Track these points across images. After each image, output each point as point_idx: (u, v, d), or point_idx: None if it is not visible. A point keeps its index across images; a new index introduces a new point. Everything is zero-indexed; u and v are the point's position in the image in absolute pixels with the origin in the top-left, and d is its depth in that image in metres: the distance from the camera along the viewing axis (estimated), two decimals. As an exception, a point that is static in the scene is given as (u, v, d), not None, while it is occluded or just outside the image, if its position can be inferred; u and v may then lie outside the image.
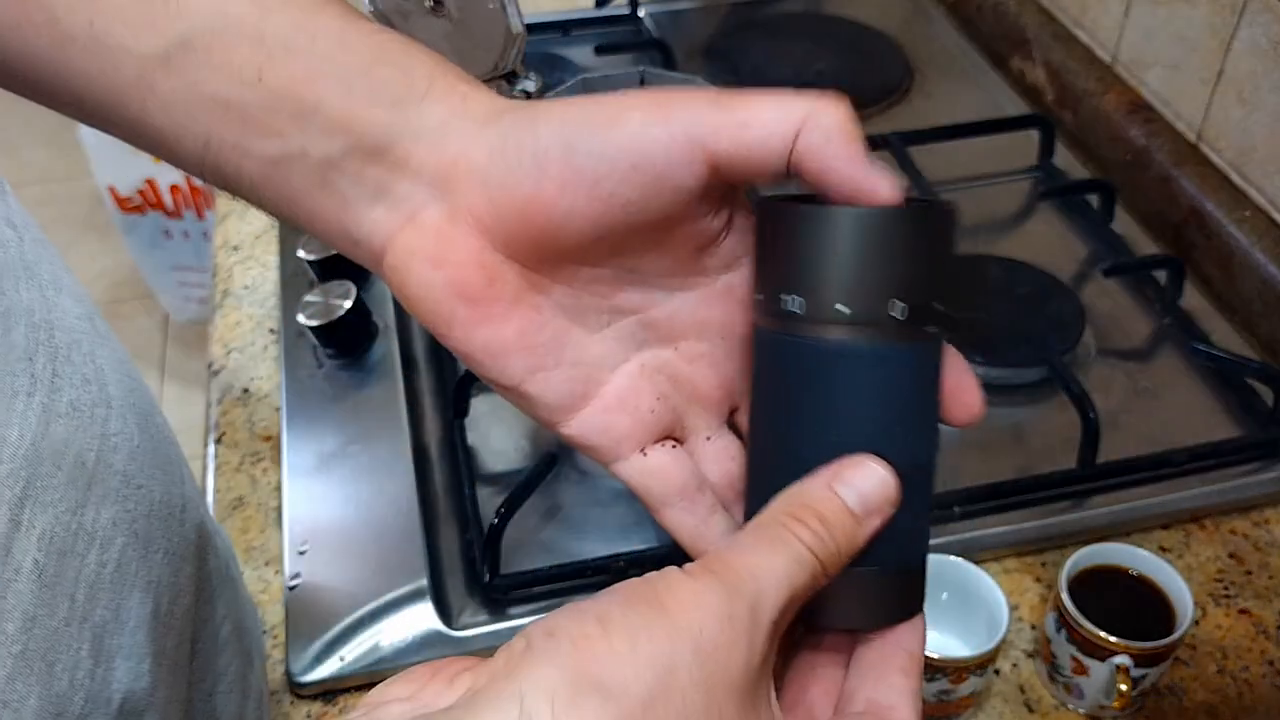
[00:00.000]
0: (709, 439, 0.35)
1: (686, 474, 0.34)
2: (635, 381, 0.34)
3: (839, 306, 0.30)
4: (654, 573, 0.27)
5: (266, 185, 0.33)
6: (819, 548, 0.29)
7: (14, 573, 0.32)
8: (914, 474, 0.31)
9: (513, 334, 0.33)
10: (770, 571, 0.28)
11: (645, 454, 0.34)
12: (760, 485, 0.33)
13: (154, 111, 0.34)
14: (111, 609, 0.37)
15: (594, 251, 0.32)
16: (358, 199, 0.33)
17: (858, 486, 0.30)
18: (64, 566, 0.34)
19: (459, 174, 0.32)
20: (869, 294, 0.30)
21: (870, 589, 0.32)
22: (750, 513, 0.32)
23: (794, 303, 0.31)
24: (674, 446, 0.35)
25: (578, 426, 0.34)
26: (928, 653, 0.55)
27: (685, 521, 0.34)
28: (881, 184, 0.30)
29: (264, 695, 0.56)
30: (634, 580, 0.27)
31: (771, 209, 0.32)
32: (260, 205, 0.34)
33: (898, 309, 0.30)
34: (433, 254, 0.32)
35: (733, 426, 0.36)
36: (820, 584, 0.29)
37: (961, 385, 0.32)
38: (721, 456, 0.35)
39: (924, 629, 0.33)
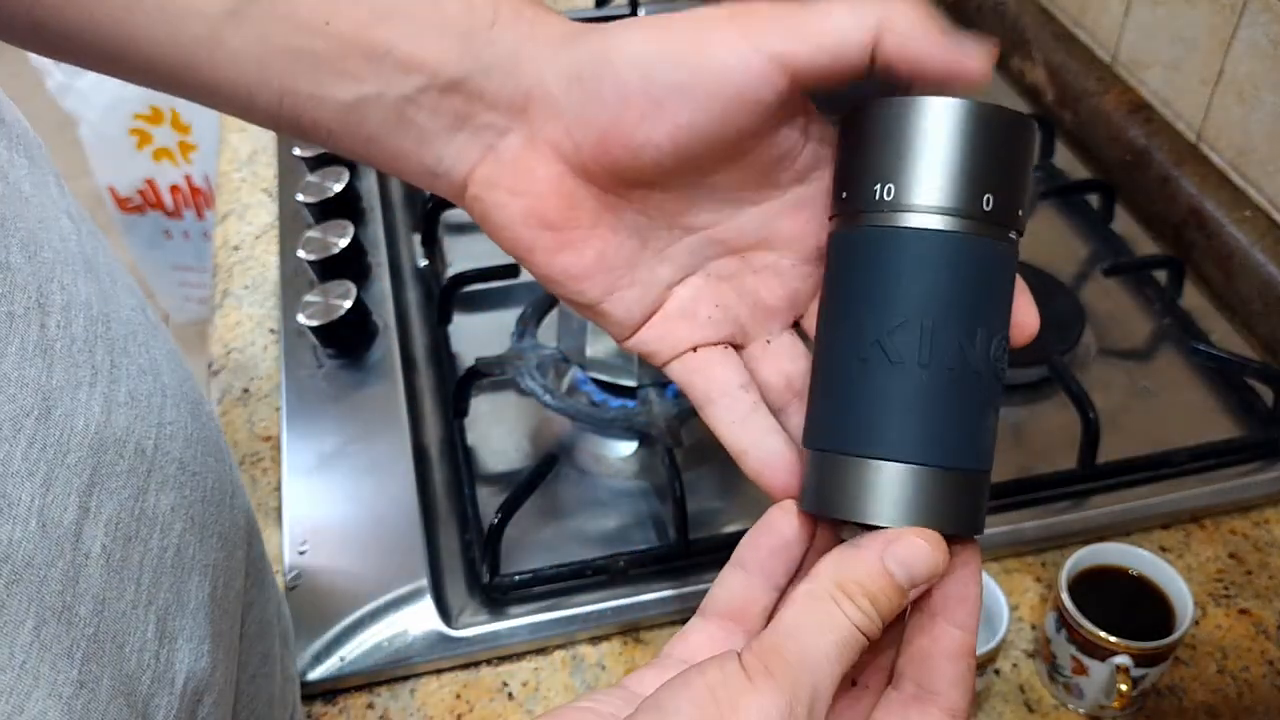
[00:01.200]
0: (769, 342, 0.36)
1: (730, 373, 0.36)
2: (697, 291, 0.36)
3: (934, 194, 0.31)
4: (715, 674, 0.28)
5: (344, 130, 0.34)
6: (866, 626, 0.29)
7: (84, 557, 0.33)
8: (986, 369, 0.31)
9: (591, 258, 0.34)
10: (823, 659, 0.28)
11: (695, 352, 0.36)
12: (830, 377, 0.33)
13: (225, 68, 0.34)
14: (173, 592, 0.38)
15: (670, 173, 0.33)
16: (436, 133, 0.34)
17: (908, 563, 0.30)
18: (129, 551, 0.35)
19: (534, 104, 0.33)
20: (965, 185, 0.31)
21: (925, 487, 0.31)
22: (815, 411, 0.33)
23: (887, 191, 0.31)
24: (725, 349, 0.36)
25: (639, 337, 0.36)
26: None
27: (723, 418, 0.36)
28: (973, 58, 0.31)
29: (294, 678, 0.57)
30: (699, 693, 0.28)
31: (866, 106, 0.32)
32: (338, 150, 0.35)
33: (989, 204, 0.31)
34: (512, 184, 0.34)
35: (798, 332, 0.37)
36: (862, 648, 0.30)
37: (1020, 304, 0.33)
38: (781, 357, 0.36)
39: (977, 602, 0.33)
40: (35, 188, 0.36)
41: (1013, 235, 0.32)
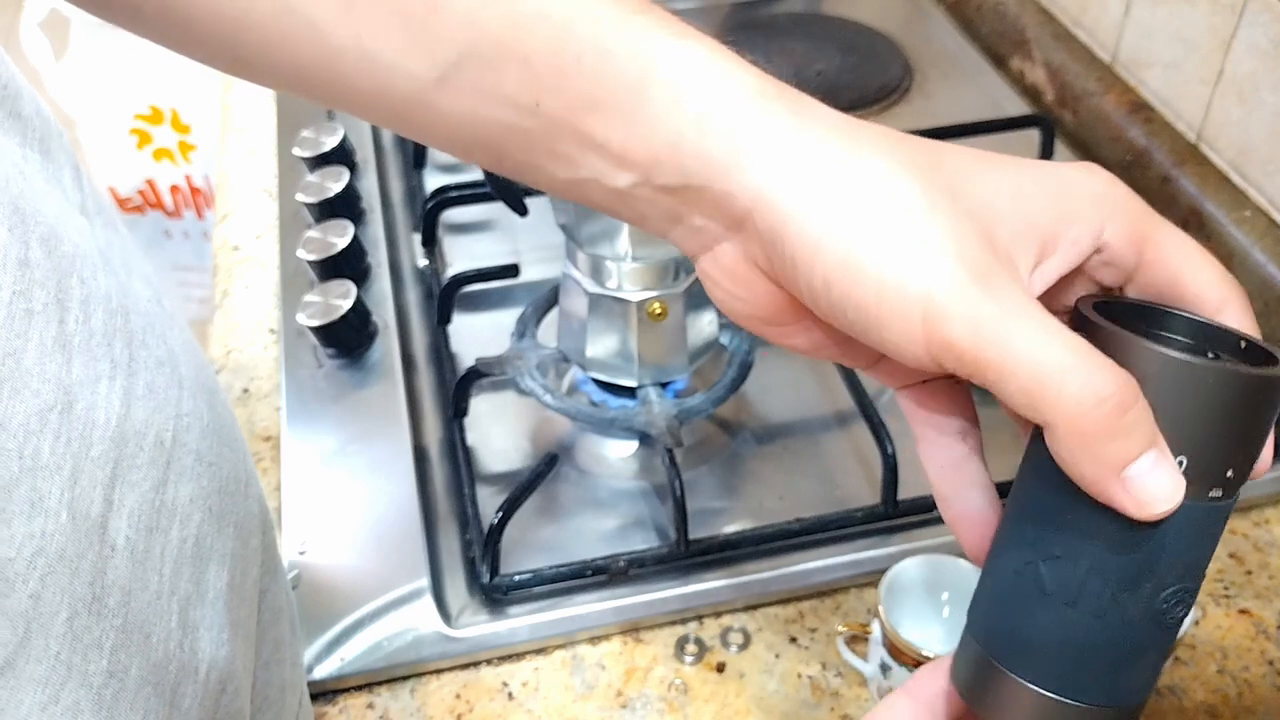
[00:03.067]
0: None
1: (953, 412, 0.35)
2: None
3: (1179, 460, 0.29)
4: None
5: (569, 195, 0.35)
6: None
7: (110, 549, 0.33)
8: (1144, 619, 0.30)
9: (819, 337, 0.35)
10: None
11: (924, 384, 0.35)
12: (992, 573, 0.32)
13: (438, 126, 0.35)
14: (193, 582, 0.38)
15: None
16: (656, 219, 0.35)
17: None
18: (152, 542, 0.35)
19: (747, 227, 0.33)
20: (1217, 457, 0.29)
21: (1062, 717, 0.31)
22: (979, 597, 0.33)
23: None
24: (955, 383, 0.35)
25: (875, 369, 0.36)
26: (925, 652, 0.55)
27: (933, 459, 0.35)
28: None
29: (301, 664, 0.57)
30: None
31: (1121, 334, 0.30)
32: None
33: (1228, 477, 0.29)
34: (730, 287, 0.35)
35: None
36: None
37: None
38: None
39: None
40: (50, 183, 0.36)
41: (1233, 496, 0.30)
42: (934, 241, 0.29)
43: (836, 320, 0.32)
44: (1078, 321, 0.31)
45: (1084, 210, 0.32)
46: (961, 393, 0.35)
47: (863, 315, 0.30)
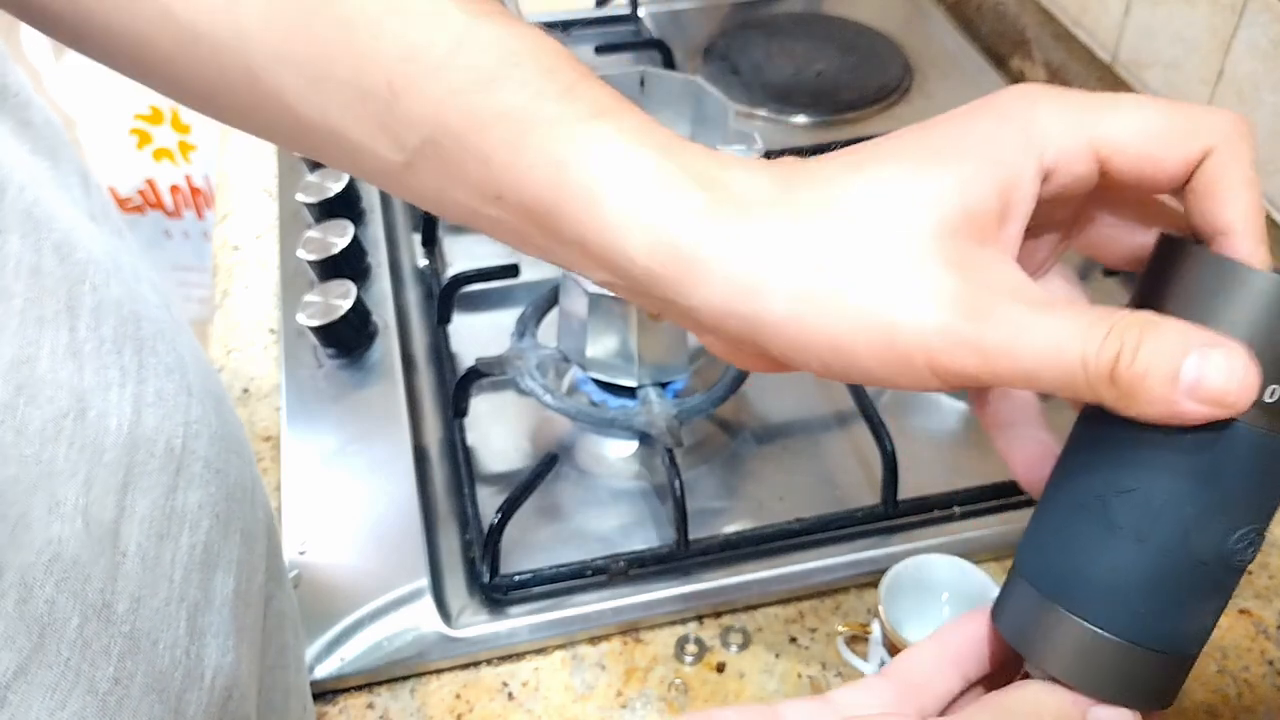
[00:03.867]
0: None
1: (1029, 402, 0.35)
2: None
3: None
4: None
5: (548, 259, 0.35)
6: None
7: (121, 556, 0.33)
8: (1214, 559, 0.30)
9: (821, 374, 0.35)
10: None
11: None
12: (1051, 512, 0.32)
13: (414, 198, 0.36)
14: (202, 589, 0.38)
15: None
16: (638, 304, 0.36)
17: None
18: (162, 549, 0.35)
19: (719, 332, 0.33)
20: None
21: (1121, 660, 0.30)
22: (1034, 537, 0.32)
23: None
24: None
25: None
26: (928, 653, 0.55)
27: (1003, 446, 0.35)
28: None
29: (305, 669, 0.57)
30: None
31: (1176, 252, 0.30)
32: None
33: (1274, 395, 0.29)
34: (731, 356, 0.35)
35: None
36: None
37: None
38: None
39: None
40: (60, 190, 0.36)
41: None
42: (908, 295, 0.30)
43: (841, 379, 0.32)
44: (1163, 251, 0.31)
45: (1006, 156, 0.31)
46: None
47: (870, 376, 0.31)
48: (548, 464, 0.70)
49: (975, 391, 0.36)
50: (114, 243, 0.38)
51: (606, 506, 0.72)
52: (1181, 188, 0.30)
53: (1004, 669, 0.34)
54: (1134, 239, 0.33)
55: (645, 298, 0.34)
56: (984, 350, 0.29)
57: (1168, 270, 0.30)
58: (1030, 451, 0.35)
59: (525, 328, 0.79)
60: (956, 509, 0.69)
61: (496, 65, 0.33)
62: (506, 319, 0.81)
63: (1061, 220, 0.34)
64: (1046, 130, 0.31)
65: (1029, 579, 0.32)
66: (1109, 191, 0.32)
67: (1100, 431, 0.31)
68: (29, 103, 0.36)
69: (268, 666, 0.48)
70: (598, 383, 0.76)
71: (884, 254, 0.30)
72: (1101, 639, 0.30)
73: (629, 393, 0.75)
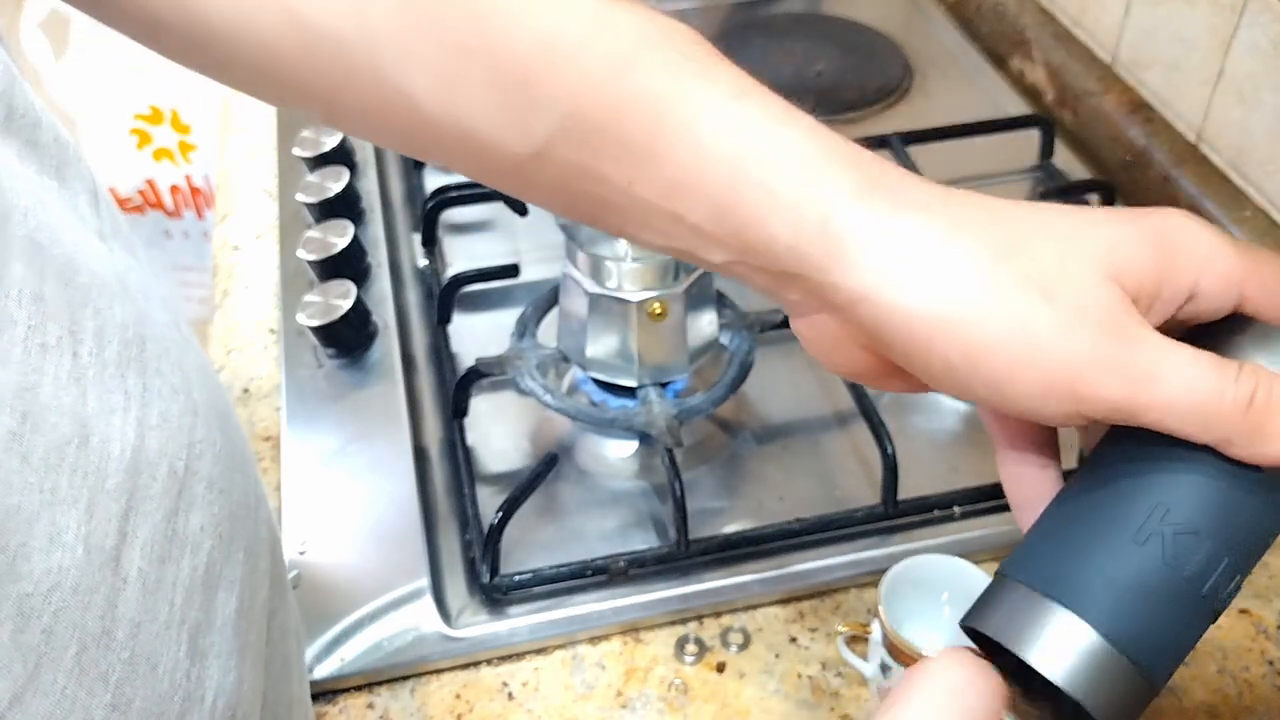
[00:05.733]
0: None
1: (1041, 430, 0.36)
2: None
3: None
4: None
5: (664, 253, 0.36)
6: None
7: (122, 582, 0.33)
8: (1209, 595, 0.31)
9: (914, 386, 0.36)
10: None
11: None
12: (1068, 520, 0.33)
13: (533, 192, 0.36)
14: (203, 610, 0.38)
15: None
16: (755, 286, 0.35)
17: None
18: (163, 573, 0.35)
19: (848, 314, 0.33)
20: None
21: (1104, 664, 0.31)
22: (1037, 544, 0.33)
23: None
24: None
25: None
26: (925, 652, 0.55)
27: (1014, 469, 0.37)
28: None
29: (306, 676, 0.57)
30: None
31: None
32: None
33: None
34: (830, 352, 0.35)
35: None
36: None
37: None
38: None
39: None
40: (67, 209, 0.36)
41: None
42: (1060, 315, 0.31)
43: (955, 392, 0.33)
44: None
45: (1181, 263, 0.33)
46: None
47: (995, 390, 0.31)
48: (548, 464, 0.70)
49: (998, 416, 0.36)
50: (124, 260, 0.38)
51: (606, 506, 0.72)
52: None
53: None
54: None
55: (769, 275, 0.34)
56: (1130, 376, 0.30)
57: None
58: (1034, 480, 0.36)
59: (525, 328, 0.79)
60: (956, 509, 0.69)
61: (632, 50, 0.34)
62: (506, 319, 0.81)
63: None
64: (1212, 256, 0.33)
65: (1026, 581, 0.32)
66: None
67: (1146, 450, 0.32)
68: (37, 122, 0.36)
69: (271, 681, 0.48)
70: (598, 383, 0.76)
71: (1043, 274, 0.31)
72: (1091, 637, 0.30)
73: (629, 393, 0.75)
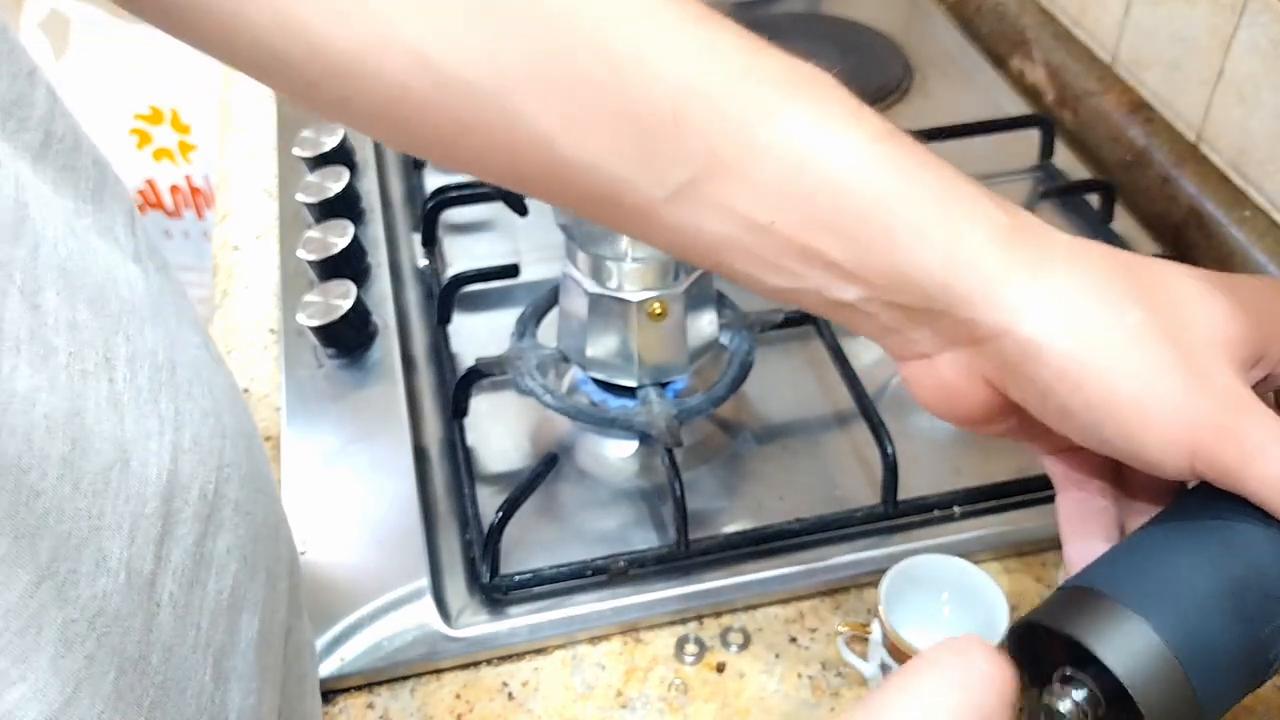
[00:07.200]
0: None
1: (1104, 471, 0.38)
2: None
3: None
4: None
5: (776, 298, 0.37)
6: None
7: (156, 606, 0.33)
8: (1273, 659, 0.32)
9: (1010, 431, 0.37)
10: None
11: (1077, 450, 0.37)
12: (1165, 545, 0.34)
13: (661, 233, 0.36)
14: (228, 633, 0.38)
15: None
16: (872, 327, 0.36)
17: None
18: (192, 597, 0.35)
19: (988, 347, 0.34)
20: None
21: (1166, 674, 0.32)
22: (1118, 563, 0.34)
23: None
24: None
25: None
26: (928, 653, 0.55)
27: (1071, 508, 0.38)
28: None
29: (318, 691, 0.57)
30: None
31: None
32: None
33: None
34: (944, 394, 0.36)
35: None
36: None
37: None
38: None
39: None
40: (101, 235, 0.36)
41: None
42: (1190, 378, 0.32)
43: (1077, 434, 0.34)
44: None
45: (1275, 331, 0.35)
46: (1108, 458, 0.37)
47: (1125, 438, 0.33)
48: (548, 464, 0.70)
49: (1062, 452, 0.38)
50: (157, 281, 0.38)
51: (606, 506, 0.72)
52: None
53: None
54: None
55: (903, 312, 0.34)
56: (1244, 451, 0.31)
57: None
58: (1091, 515, 0.37)
59: (525, 328, 0.79)
60: (956, 509, 0.69)
61: (776, 96, 0.34)
62: (506, 319, 0.81)
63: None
64: None
65: (1104, 589, 0.33)
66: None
67: (1251, 508, 0.33)
68: (77, 146, 0.35)
69: (287, 698, 0.48)
70: (598, 383, 0.76)
71: (1178, 336, 0.33)
72: (1164, 651, 0.31)
73: (629, 393, 0.75)
